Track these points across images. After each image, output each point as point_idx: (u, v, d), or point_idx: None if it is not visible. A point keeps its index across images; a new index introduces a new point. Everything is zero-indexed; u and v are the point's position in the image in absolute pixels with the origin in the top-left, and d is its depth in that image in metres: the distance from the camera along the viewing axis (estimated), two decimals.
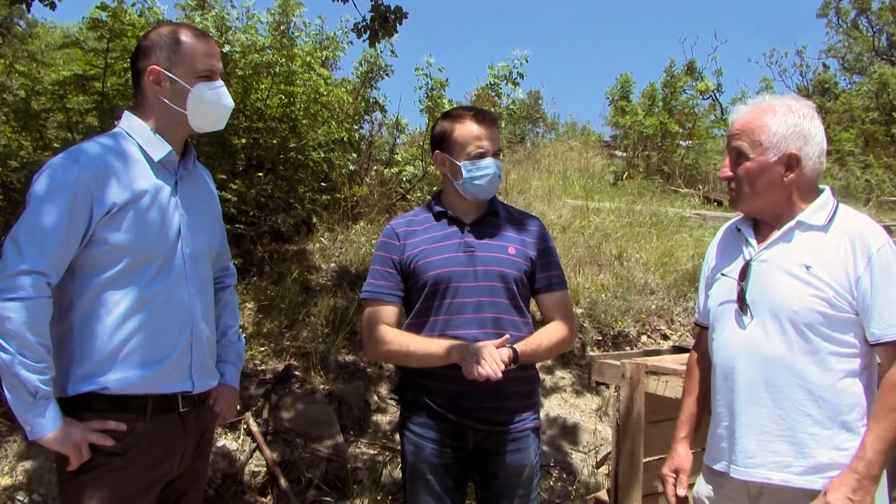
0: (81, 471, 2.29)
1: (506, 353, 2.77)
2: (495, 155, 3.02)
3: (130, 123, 2.51)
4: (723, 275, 2.59)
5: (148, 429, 2.37)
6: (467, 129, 3.01)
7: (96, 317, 2.32)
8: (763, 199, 2.48)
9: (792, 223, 2.45)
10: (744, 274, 2.50)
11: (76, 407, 2.31)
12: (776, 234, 2.48)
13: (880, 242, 2.34)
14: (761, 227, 2.56)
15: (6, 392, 2.20)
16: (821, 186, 2.51)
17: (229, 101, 2.61)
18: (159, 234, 2.43)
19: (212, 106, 2.55)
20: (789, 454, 2.36)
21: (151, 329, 2.38)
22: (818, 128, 2.47)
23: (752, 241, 2.54)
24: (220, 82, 2.57)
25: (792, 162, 2.43)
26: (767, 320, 2.41)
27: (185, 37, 2.50)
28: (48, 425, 2.23)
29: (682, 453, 2.72)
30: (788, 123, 2.43)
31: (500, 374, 2.69)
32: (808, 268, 2.37)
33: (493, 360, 2.70)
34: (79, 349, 2.32)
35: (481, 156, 2.98)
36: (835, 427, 2.34)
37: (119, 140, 2.47)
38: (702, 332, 2.79)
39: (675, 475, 2.70)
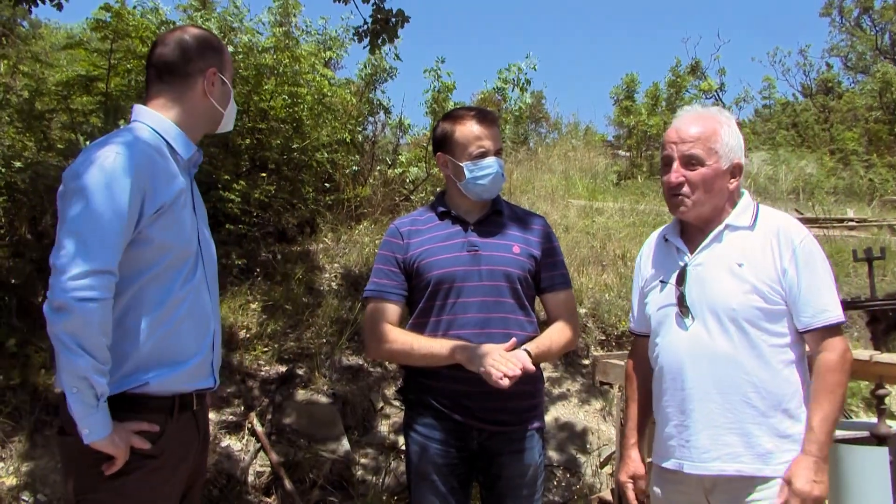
0: (118, 474, 2.26)
1: (522, 356, 2.78)
2: (497, 154, 3.03)
3: (156, 120, 2.48)
4: (661, 282, 2.70)
5: (175, 428, 2.38)
6: (468, 130, 3.01)
7: (136, 316, 2.30)
8: (710, 204, 2.61)
9: (721, 227, 2.60)
10: (681, 278, 2.62)
11: (114, 407, 2.25)
12: (708, 238, 2.61)
13: (801, 235, 2.52)
14: (689, 234, 2.69)
15: (70, 399, 2.15)
16: (741, 190, 2.68)
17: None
18: (192, 234, 2.46)
19: (234, 109, 2.69)
20: (739, 445, 2.48)
21: (186, 327, 2.40)
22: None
23: (684, 247, 2.66)
24: None
25: (736, 171, 2.61)
26: (709, 320, 2.54)
27: (220, 42, 2.64)
28: (107, 427, 2.19)
29: (635, 458, 2.86)
30: (734, 134, 2.61)
31: (518, 372, 2.70)
32: (740, 265, 2.51)
33: (507, 362, 2.71)
34: (119, 349, 2.27)
35: (483, 155, 2.99)
36: (777, 415, 2.48)
37: (154, 137, 2.45)
38: (637, 339, 2.93)
39: (632, 481, 2.84)
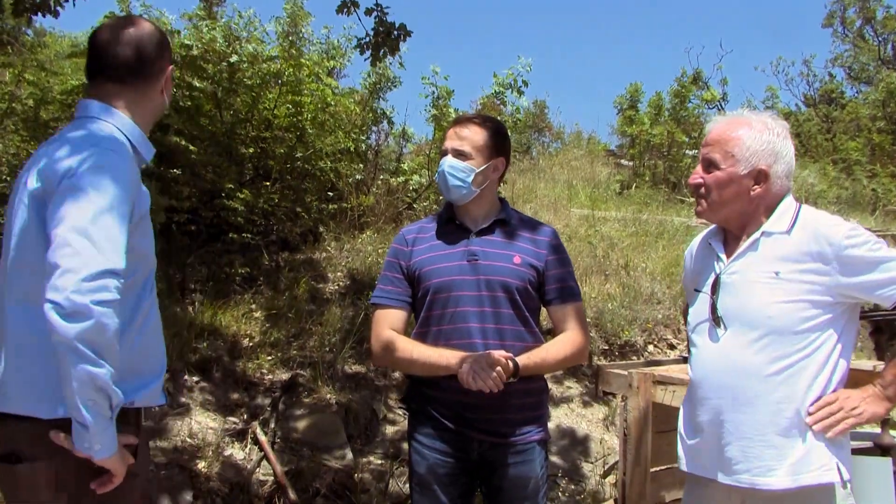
0: (107, 493, 2.11)
1: (505, 365, 2.75)
2: (458, 154, 3.00)
3: (118, 120, 2.32)
4: (696, 291, 2.69)
5: (141, 442, 2.27)
6: (448, 132, 3.08)
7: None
8: (728, 209, 2.58)
9: (757, 234, 2.54)
10: (715, 288, 2.59)
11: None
12: (742, 246, 2.57)
13: (841, 232, 2.42)
14: (730, 240, 2.65)
15: (84, 413, 1.94)
16: (789, 195, 2.60)
17: None
18: (153, 242, 2.37)
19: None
20: (771, 458, 2.44)
21: (154, 339, 2.31)
22: (789, 148, 2.57)
23: (722, 255, 2.63)
24: None
25: (760, 177, 2.53)
26: (740, 331, 2.50)
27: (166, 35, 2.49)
28: (116, 442, 2.05)
29: None
30: (762, 140, 2.53)
31: (495, 389, 2.69)
32: (776, 274, 2.45)
33: (487, 375, 2.70)
34: None
35: (443, 153, 3.04)
36: (805, 423, 2.43)
37: (123, 139, 2.29)
38: None
39: None
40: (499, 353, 2.77)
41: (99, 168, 2.08)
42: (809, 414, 2.41)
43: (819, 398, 2.43)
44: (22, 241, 2.16)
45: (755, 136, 2.53)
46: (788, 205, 2.56)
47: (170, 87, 2.47)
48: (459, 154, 3.00)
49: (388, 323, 2.99)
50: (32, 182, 2.16)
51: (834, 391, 2.45)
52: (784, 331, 2.43)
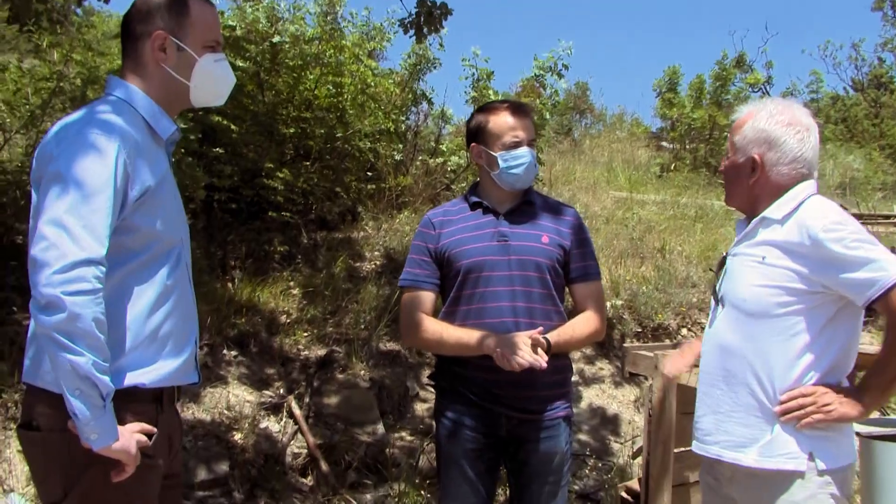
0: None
1: (541, 342, 2.84)
2: (530, 144, 3.09)
3: (131, 94, 2.22)
4: (710, 269, 2.76)
5: (161, 422, 2.21)
6: (502, 121, 3.08)
7: (121, 308, 2.10)
8: (738, 196, 2.66)
9: (756, 220, 2.56)
10: (720, 267, 2.68)
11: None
12: (746, 229, 2.61)
13: (824, 223, 2.37)
14: (745, 224, 2.69)
15: (74, 402, 1.93)
16: (801, 184, 2.55)
17: (233, 77, 2.43)
18: (178, 219, 2.30)
19: (218, 79, 2.36)
20: (741, 436, 2.48)
21: (175, 319, 2.24)
22: (792, 136, 2.52)
23: (737, 237, 2.68)
24: (223, 55, 2.37)
25: (754, 165, 2.55)
26: (730, 311, 2.56)
27: (193, 1, 2.27)
28: (115, 430, 2.01)
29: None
30: (757, 129, 2.56)
31: (543, 364, 2.77)
32: (763, 258, 2.48)
33: (529, 351, 2.78)
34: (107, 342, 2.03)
35: (516, 145, 3.05)
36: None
37: (131, 113, 2.19)
38: None
39: None
40: (532, 332, 2.85)
41: (79, 152, 2.01)
42: (781, 402, 2.42)
43: (795, 386, 2.42)
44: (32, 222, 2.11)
45: (752, 124, 2.57)
46: (795, 194, 2.51)
47: (169, 58, 2.24)
48: (531, 143, 3.10)
49: (418, 305, 3.07)
50: (33, 167, 2.13)
51: (825, 382, 2.42)
52: (759, 314, 2.46)
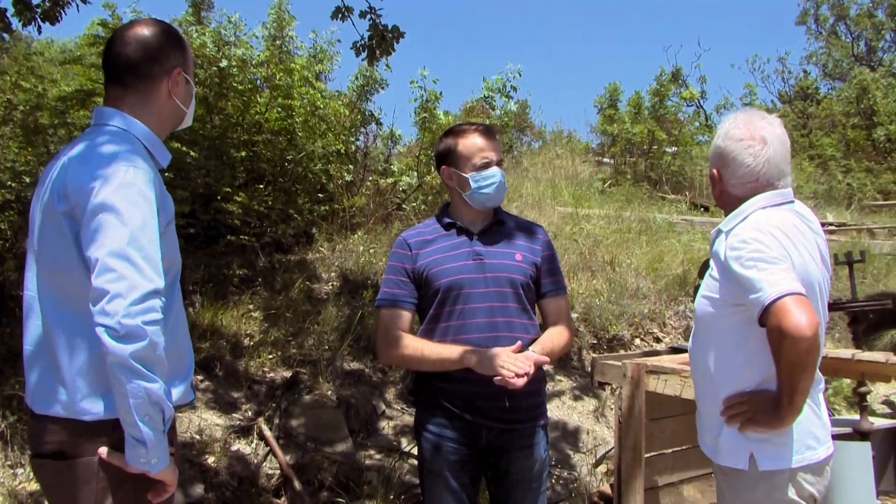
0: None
1: (531, 355, 2.97)
2: (499, 164, 3.21)
3: (130, 124, 2.31)
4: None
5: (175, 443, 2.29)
6: (471, 142, 3.19)
7: None
8: (717, 203, 2.80)
9: (714, 231, 2.70)
10: (701, 273, 2.89)
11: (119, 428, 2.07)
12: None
13: (733, 241, 2.48)
14: None
15: (143, 428, 1.99)
16: (754, 197, 2.62)
17: None
18: (178, 244, 2.38)
19: (193, 104, 2.53)
20: (705, 430, 2.72)
21: (183, 342, 2.33)
22: (746, 151, 2.60)
23: None
24: None
25: (714, 179, 2.72)
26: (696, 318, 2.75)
27: (181, 35, 2.45)
28: (168, 453, 2.07)
29: None
30: (714, 145, 2.72)
31: (531, 370, 2.89)
32: (711, 270, 2.63)
33: (517, 361, 2.89)
34: None
35: (486, 165, 3.16)
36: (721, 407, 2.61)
37: (135, 143, 2.27)
38: None
39: None
40: (512, 348, 2.98)
41: (126, 185, 2.08)
42: (725, 406, 2.58)
43: (735, 391, 2.55)
44: (48, 250, 2.18)
45: (714, 140, 2.74)
46: (744, 208, 2.60)
47: (180, 90, 2.40)
48: (499, 163, 3.22)
49: (398, 323, 3.14)
50: (56, 196, 2.16)
51: (765, 388, 2.51)
52: (701, 321, 2.67)
